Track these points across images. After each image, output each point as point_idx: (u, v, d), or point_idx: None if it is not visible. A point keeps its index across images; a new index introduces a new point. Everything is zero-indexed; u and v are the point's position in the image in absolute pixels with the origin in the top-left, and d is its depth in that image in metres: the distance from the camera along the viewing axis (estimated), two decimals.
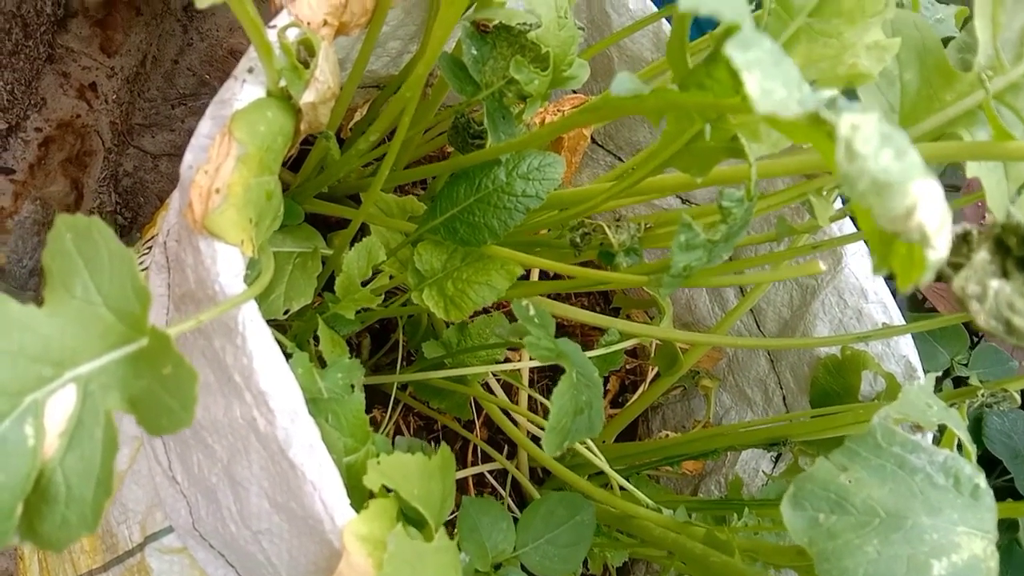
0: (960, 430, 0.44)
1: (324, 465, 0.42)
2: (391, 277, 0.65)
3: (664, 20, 0.72)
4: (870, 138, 0.24)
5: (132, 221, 0.95)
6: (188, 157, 0.47)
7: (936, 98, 0.42)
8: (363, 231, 0.67)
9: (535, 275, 0.82)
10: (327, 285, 0.65)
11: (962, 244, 0.36)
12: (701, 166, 0.42)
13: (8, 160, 0.84)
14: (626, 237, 0.53)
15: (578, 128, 0.73)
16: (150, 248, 0.66)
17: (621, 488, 0.68)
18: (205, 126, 0.47)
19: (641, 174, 0.47)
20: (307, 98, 0.48)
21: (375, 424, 0.77)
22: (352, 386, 0.52)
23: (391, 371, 0.78)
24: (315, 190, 0.64)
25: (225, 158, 0.44)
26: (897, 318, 0.76)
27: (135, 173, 0.96)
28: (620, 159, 0.86)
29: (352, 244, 0.63)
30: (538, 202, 0.55)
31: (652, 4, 0.70)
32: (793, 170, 0.46)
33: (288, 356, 0.52)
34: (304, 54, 0.49)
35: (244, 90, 0.47)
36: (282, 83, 0.47)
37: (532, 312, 0.52)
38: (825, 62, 0.39)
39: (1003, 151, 0.37)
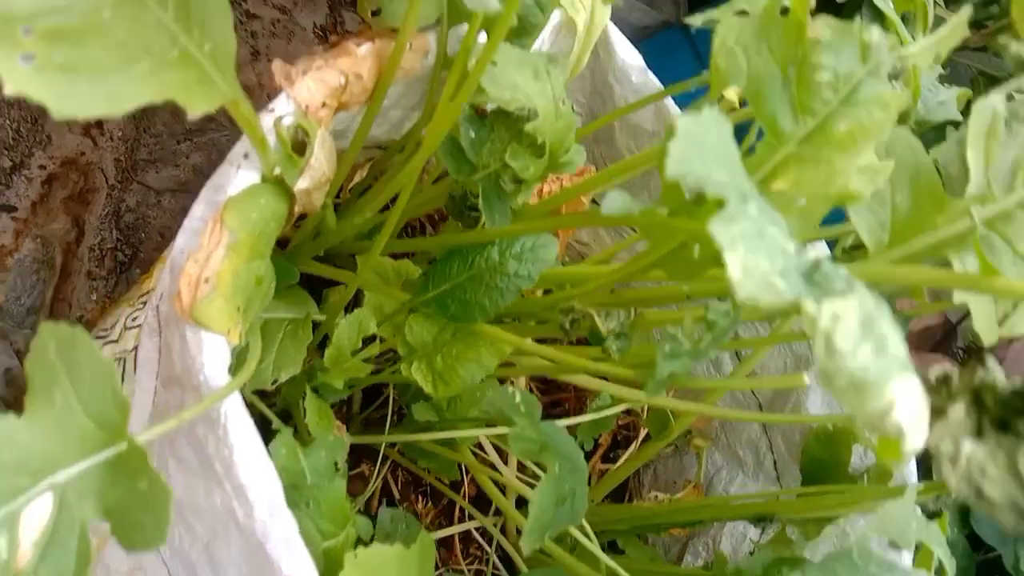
0: (939, 546, 0.44)
1: (301, 561, 0.42)
2: (382, 340, 0.65)
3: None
4: (850, 332, 0.24)
5: (132, 257, 0.95)
6: (180, 241, 0.47)
7: (927, 220, 0.42)
8: (357, 294, 0.67)
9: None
10: (318, 345, 0.65)
11: (942, 387, 0.36)
12: (688, 274, 0.42)
13: (11, 197, 0.85)
14: (615, 325, 0.53)
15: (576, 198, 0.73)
16: (144, 303, 0.66)
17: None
18: (198, 209, 0.47)
19: (629, 271, 0.47)
20: (301, 185, 0.48)
21: (363, 479, 0.77)
22: (336, 464, 0.52)
23: (382, 424, 0.78)
24: (311, 253, 0.65)
25: (216, 246, 0.44)
26: None
27: (138, 208, 0.97)
28: (634, 229, 0.86)
29: (347, 309, 0.63)
30: (530, 283, 0.55)
31: (654, 78, 0.71)
32: None
33: (274, 433, 0.52)
34: (301, 135, 0.50)
35: (239, 176, 0.47)
36: (276, 171, 0.47)
37: (518, 399, 0.52)
38: (815, 184, 0.39)
39: (989, 286, 0.37)
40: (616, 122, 0.76)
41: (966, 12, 0.39)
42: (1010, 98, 0.39)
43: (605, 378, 0.62)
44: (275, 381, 0.56)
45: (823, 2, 1.07)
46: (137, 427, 0.54)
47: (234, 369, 0.44)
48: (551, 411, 0.92)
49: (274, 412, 0.66)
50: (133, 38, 0.34)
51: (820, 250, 0.28)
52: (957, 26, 0.39)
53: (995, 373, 0.33)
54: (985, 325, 0.41)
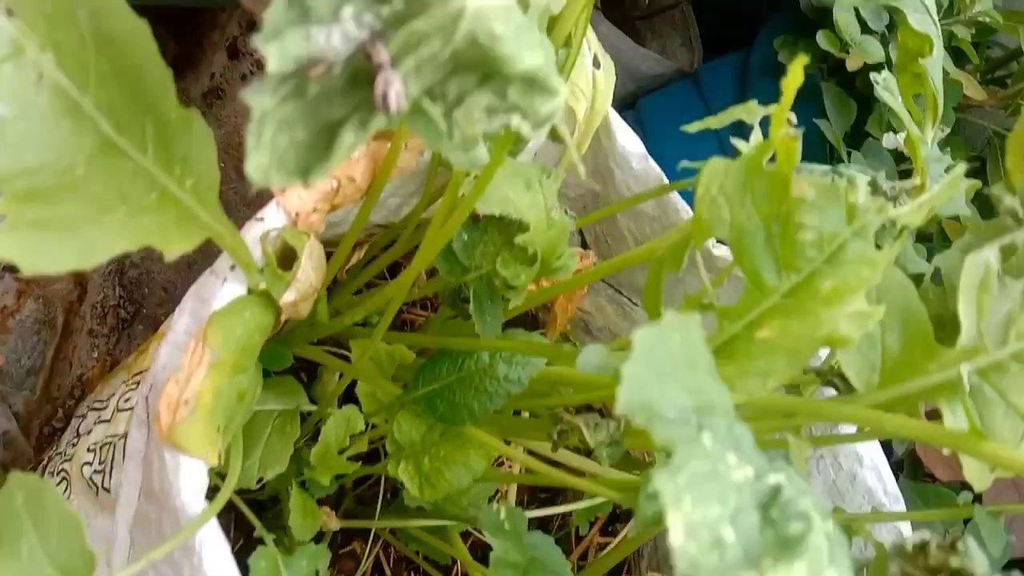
0: None
1: None
2: (374, 426, 0.65)
3: (664, 180, 0.71)
4: None
5: (135, 314, 0.96)
6: (163, 353, 0.47)
7: (918, 366, 0.41)
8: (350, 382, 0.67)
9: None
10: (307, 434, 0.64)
11: (918, 555, 0.35)
12: None
13: None
14: (604, 436, 0.52)
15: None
16: (137, 384, 0.66)
17: None
18: (182, 321, 0.47)
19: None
20: (288, 298, 0.48)
21: (354, 557, 0.77)
22: (317, 572, 0.52)
23: (375, 500, 0.77)
24: (305, 339, 0.64)
25: (197, 366, 0.44)
26: (891, 485, 0.74)
27: (142, 263, 0.97)
28: (620, 292, 0.85)
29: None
30: (520, 387, 0.55)
31: (655, 165, 0.70)
32: (772, 408, 0.45)
33: (257, 540, 0.52)
34: (289, 244, 0.49)
35: (224, 289, 0.47)
36: (262, 285, 0.47)
37: (502, 516, 0.51)
38: (801, 333, 0.38)
39: (977, 449, 0.36)
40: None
41: (960, 169, 0.38)
42: (1005, 253, 0.38)
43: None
44: (260, 480, 0.56)
45: (833, 68, 1.06)
46: (122, 521, 0.54)
47: (219, 471, 0.44)
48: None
49: (260, 498, 0.66)
50: (108, 190, 0.34)
51: (780, 476, 0.27)
52: (951, 182, 0.38)
53: (975, 558, 0.32)
54: (976, 474, 0.40)
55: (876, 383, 0.42)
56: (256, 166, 0.26)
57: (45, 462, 0.84)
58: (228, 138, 1.14)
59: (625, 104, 1.49)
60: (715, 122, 0.57)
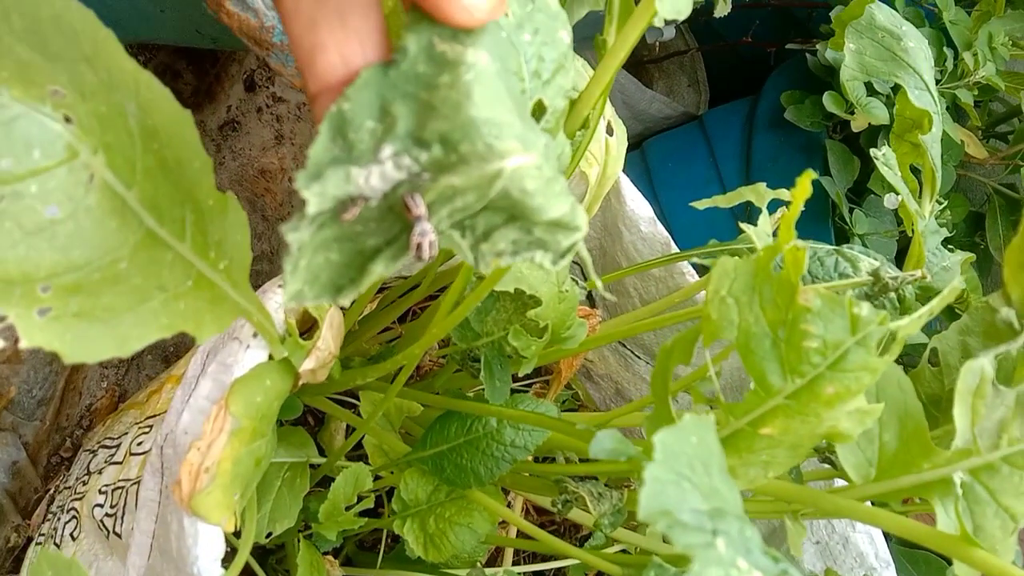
0: None
1: None
2: (379, 477, 0.66)
3: (671, 244, 0.73)
4: None
5: None
6: (185, 419, 0.48)
7: (913, 463, 0.42)
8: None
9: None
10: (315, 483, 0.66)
11: None
12: None
13: None
14: (607, 507, 0.54)
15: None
16: (150, 428, 0.67)
17: None
18: (205, 387, 0.49)
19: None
20: (307, 366, 0.49)
21: None
22: None
23: (377, 545, 0.79)
24: (317, 392, 0.66)
25: (219, 434, 0.45)
26: (883, 551, 0.76)
27: None
28: (624, 345, 0.87)
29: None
30: (526, 453, 0.56)
31: (663, 229, 0.72)
32: (770, 493, 0.47)
33: None
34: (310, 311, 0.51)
35: (246, 355, 0.48)
36: (284, 353, 0.48)
37: None
38: (803, 431, 0.40)
39: (968, 556, 0.38)
40: (623, 260, 0.77)
41: (958, 284, 0.40)
42: (1000, 362, 0.40)
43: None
44: (270, 534, 0.57)
45: (837, 124, 1.08)
46: (133, 570, 0.56)
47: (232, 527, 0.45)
48: (546, 527, 0.93)
49: (264, 544, 0.67)
50: (148, 280, 0.35)
51: (791, 569, 0.29)
52: (948, 294, 0.40)
53: None
54: (965, 571, 0.42)
55: (872, 477, 0.43)
56: (291, 292, 0.28)
57: (52, 491, 0.86)
58: (242, 170, 1.16)
59: (631, 145, 1.51)
60: (724, 201, 0.59)
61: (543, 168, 0.29)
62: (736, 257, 0.40)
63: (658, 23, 0.49)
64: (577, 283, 0.58)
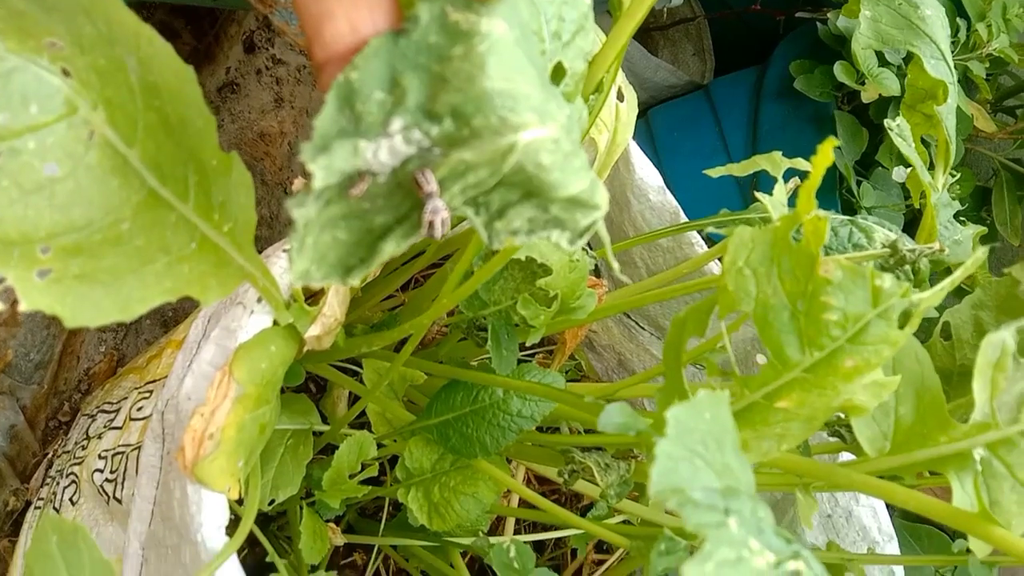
0: None
1: None
2: (382, 445, 0.66)
3: (680, 213, 0.72)
4: None
5: None
6: (188, 384, 0.47)
7: (930, 437, 0.42)
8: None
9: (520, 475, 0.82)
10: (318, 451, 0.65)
11: None
12: None
13: None
14: (614, 478, 0.53)
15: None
16: (150, 393, 0.66)
17: None
18: (208, 352, 0.48)
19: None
20: (313, 332, 0.48)
21: (356, 568, 0.78)
22: None
23: (378, 512, 0.78)
24: (320, 360, 0.65)
25: (223, 400, 0.45)
26: (886, 524, 0.75)
27: None
28: (628, 316, 0.86)
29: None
30: (532, 423, 0.55)
31: (671, 198, 0.71)
32: (782, 466, 0.46)
33: (264, 554, 0.52)
34: None
35: (251, 320, 0.47)
36: (289, 319, 0.47)
37: (512, 554, 0.52)
38: (819, 404, 0.39)
39: (985, 532, 0.37)
40: (631, 231, 0.76)
41: (981, 255, 0.39)
42: (1022, 334, 0.39)
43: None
44: (272, 501, 0.56)
45: (847, 95, 1.06)
46: (134, 536, 0.55)
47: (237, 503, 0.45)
48: (547, 497, 0.92)
49: (266, 511, 0.67)
50: (151, 242, 0.34)
51: (799, 563, 0.28)
52: (971, 265, 0.39)
53: None
54: (979, 545, 0.41)
55: (887, 451, 0.43)
56: (298, 272, 0.27)
57: (51, 455, 0.85)
58: (241, 133, 1.14)
59: None
60: (738, 170, 0.58)
61: (561, 142, 0.28)
62: (753, 227, 0.39)
63: None
64: (587, 252, 0.57)
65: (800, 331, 0.37)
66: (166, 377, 0.58)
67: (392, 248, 0.29)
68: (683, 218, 0.71)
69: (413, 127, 0.28)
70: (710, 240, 0.83)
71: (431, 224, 0.28)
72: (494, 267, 0.44)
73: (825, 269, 0.36)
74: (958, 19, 1.06)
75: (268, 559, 0.54)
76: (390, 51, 0.29)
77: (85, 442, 0.73)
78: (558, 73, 0.34)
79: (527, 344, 0.56)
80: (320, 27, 0.29)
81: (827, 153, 0.37)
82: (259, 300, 0.48)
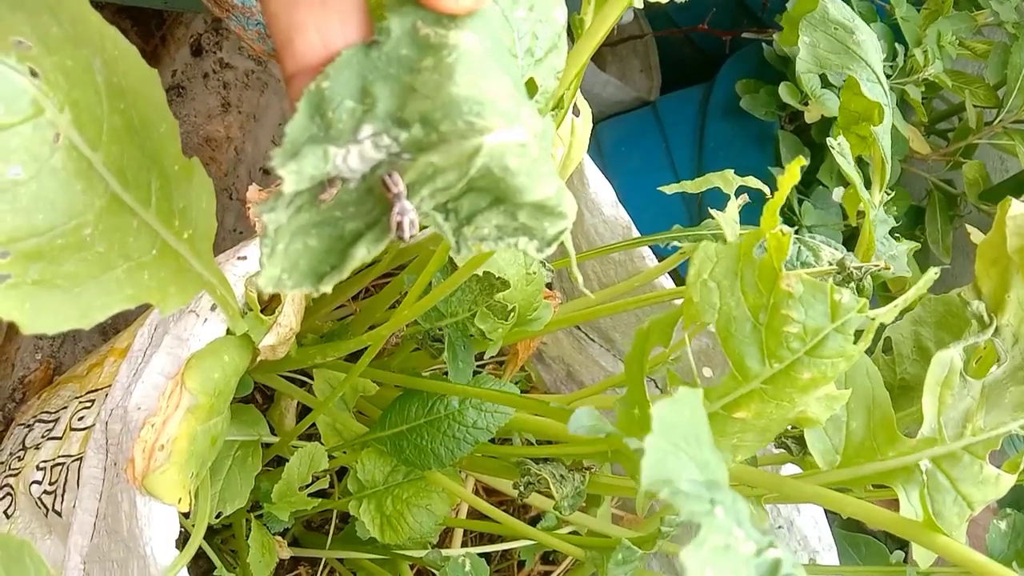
0: None
1: None
2: (332, 456, 0.65)
3: (632, 228, 0.73)
4: None
5: None
6: (137, 393, 0.46)
7: (879, 450, 0.43)
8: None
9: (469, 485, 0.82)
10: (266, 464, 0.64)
11: None
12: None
13: None
14: (569, 490, 0.53)
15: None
16: (92, 402, 0.64)
17: None
18: (159, 361, 0.47)
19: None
20: (267, 342, 0.47)
21: None
22: None
23: (324, 525, 0.77)
24: (271, 369, 0.64)
25: (175, 410, 0.44)
26: (826, 535, 0.77)
27: None
28: (579, 328, 0.87)
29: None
30: (488, 435, 0.55)
31: (624, 213, 0.72)
32: (735, 477, 0.47)
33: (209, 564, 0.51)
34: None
35: (204, 329, 0.46)
36: (243, 328, 0.46)
37: (467, 568, 0.52)
38: (775, 416, 0.40)
39: (931, 542, 0.39)
40: (584, 244, 0.77)
41: (932, 273, 0.41)
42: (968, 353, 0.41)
43: None
44: (219, 514, 0.55)
45: (791, 115, 1.09)
46: (75, 550, 0.53)
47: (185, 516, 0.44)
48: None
49: (212, 523, 0.65)
50: (112, 248, 0.34)
51: (777, 552, 0.29)
52: (923, 285, 0.41)
53: None
54: (922, 555, 0.43)
55: (837, 464, 0.44)
56: (268, 278, 0.27)
57: None
58: (187, 138, 1.12)
59: None
60: (692, 187, 0.59)
61: (529, 146, 0.28)
62: (717, 242, 0.40)
63: (638, 4, 0.48)
64: (544, 265, 0.57)
65: (761, 343, 0.38)
66: (109, 386, 0.56)
67: (363, 254, 0.29)
68: (635, 233, 0.72)
69: (382, 133, 0.28)
70: (661, 255, 0.84)
71: (399, 225, 0.28)
72: (458, 280, 0.44)
73: (787, 283, 0.37)
74: (896, 44, 1.10)
75: (216, 574, 0.53)
76: (361, 62, 0.29)
77: (21, 453, 0.70)
78: (530, 90, 0.35)
79: (486, 356, 0.56)
80: (291, 38, 0.29)
81: (795, 172, 0.38)
82: (213, 308, 0.47)
